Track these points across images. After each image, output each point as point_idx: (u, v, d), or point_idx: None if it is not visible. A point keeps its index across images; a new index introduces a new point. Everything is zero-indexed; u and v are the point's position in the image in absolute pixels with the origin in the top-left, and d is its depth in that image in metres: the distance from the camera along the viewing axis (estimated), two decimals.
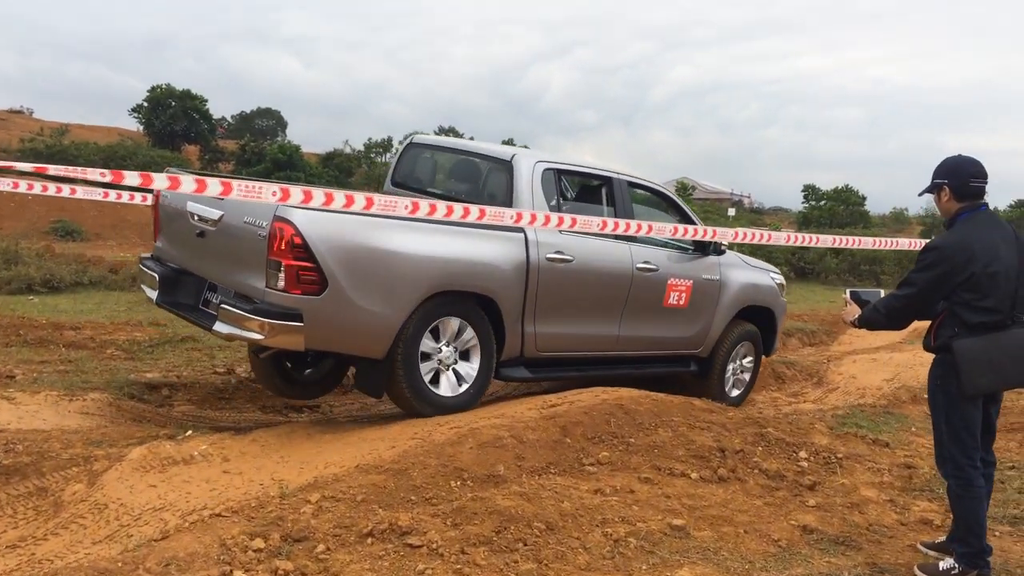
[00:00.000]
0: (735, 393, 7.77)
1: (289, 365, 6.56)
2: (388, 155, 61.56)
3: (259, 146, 46.38)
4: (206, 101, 47.00)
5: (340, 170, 51.13)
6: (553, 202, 6.12)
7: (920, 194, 4.27)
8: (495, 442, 4.78)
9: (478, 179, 6.57)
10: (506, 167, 6.08)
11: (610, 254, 6.36)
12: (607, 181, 6.60)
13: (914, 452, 5.77)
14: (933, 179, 4.08)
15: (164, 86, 46.59)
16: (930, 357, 9.85)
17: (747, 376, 7.90)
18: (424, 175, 7.07)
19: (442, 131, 61.57)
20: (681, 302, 6.90)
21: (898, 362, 9.62)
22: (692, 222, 6.95)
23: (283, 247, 4.75)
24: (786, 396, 8.98)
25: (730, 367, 7.60)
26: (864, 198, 47.39)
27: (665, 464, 4.87)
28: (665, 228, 6.19)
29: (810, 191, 49.72)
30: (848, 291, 4.47)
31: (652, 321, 6.79)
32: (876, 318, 4.14)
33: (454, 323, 5.57)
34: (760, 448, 5.22)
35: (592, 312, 6.36)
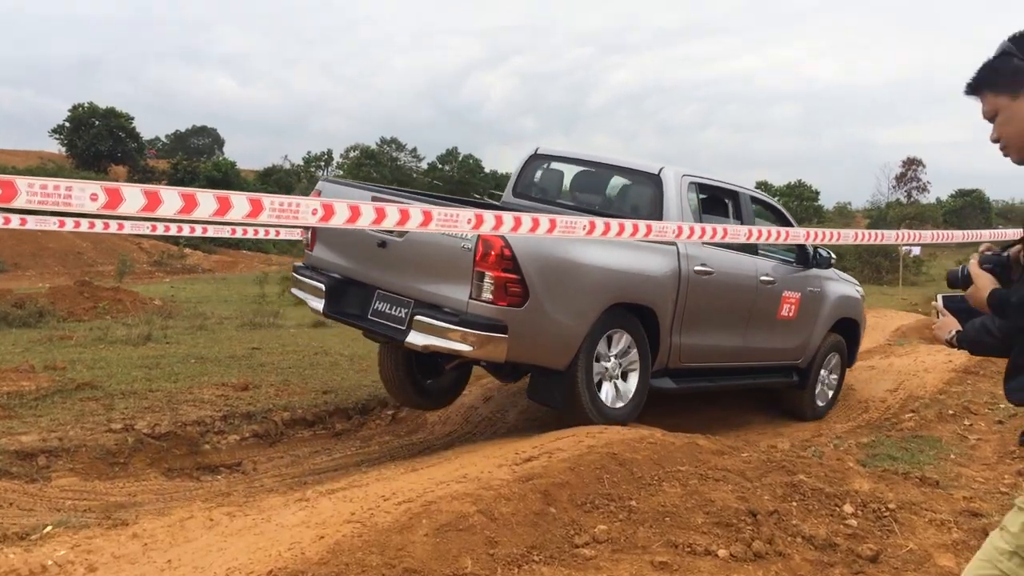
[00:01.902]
0: (821, 404, 7.83)
1: (421, 375, 6.49)
2: (329, 169, 60.03)
3: (192, 165, 44.53)
4: (132, 119, 44.98)
5: (279, 186, 49.55)
6: (696, 216, 6.23)
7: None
8: (458, 523, 3.59)
9: (616, 191, 6.64)
10: (653, 180, 6.11)
11: (740, 267, 6.50)
12: (734, 195, 6.77)
13: (971, 492, 4.72)
14: None
15: (87, 105, 44.42)
16: (935, 362, 8.94)
17: (832, 389, 7.94)
18: (550, 187, 6.94)
19: (383, 142, 60.25)
20: (791, 314, 7.04)
21: (899, 369, 8.67)
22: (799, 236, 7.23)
23: (492, 259, 4.74)
24: (782, 415, 7.93)
25: (821, 375, 7.68)
26: (818, 193, 47.14)
27: (682, 538, 3.72)
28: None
29: (763, 187, 49.42)
30: (940, 297, 3.07)
31: (768, 332, 6.92)
32: (985, 340, 2.75)
33: (620, 335, 5.57)
34: (795, 504, 4.11)
35: (725, 323, 6.46)
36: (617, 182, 6.68)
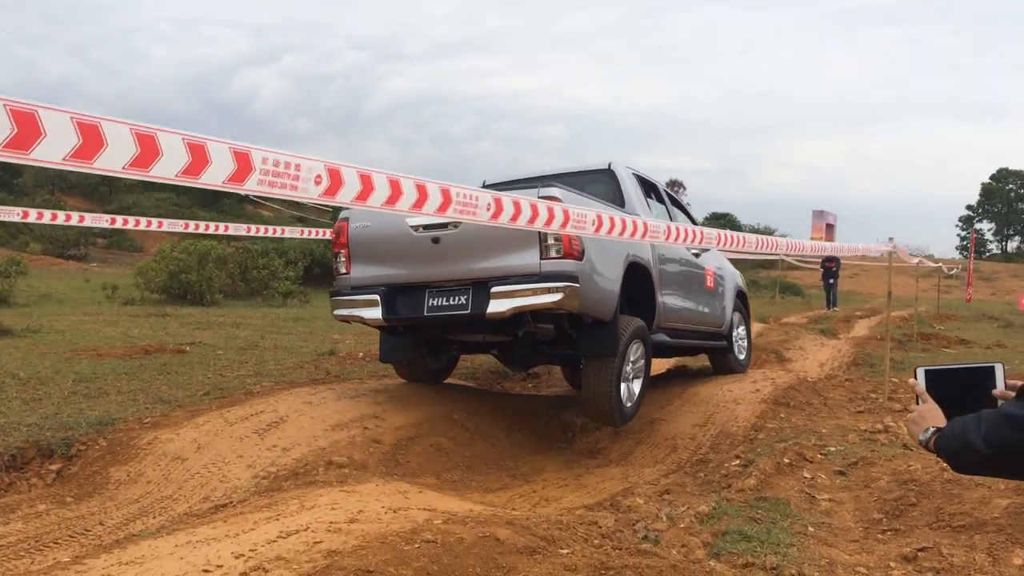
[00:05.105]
0: (742, 358, 9.16)
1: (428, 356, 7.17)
2: None
3: None
4: None
5: (4, 168, 43.31)
6: (644, 200, 7.26)
7: None
8: None
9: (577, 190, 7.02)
10: (608, 174, 7.14)
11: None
12: (655, 185, 7.86)
13: None
14: None
15: None
16: (743, 392, 7.97)
17: (744, 348, 9.28)
18: None
19: None
20: (712, 285, 8.24)
21: (705, 399, 7.57)
22: (693, 218, 8.95)
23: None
24: (580, 455, 6.58)
25: (735, 335, 9.00)
26: None
27: None
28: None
29: None
30: (921, 371, 1.92)
31: (705, 301, 8.02)
32: (969, 456, 1.71)
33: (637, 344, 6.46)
34: None
35: (682, 286, 7.49)
36: (573, 181, 6.99)
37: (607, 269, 5.93)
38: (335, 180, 2.14)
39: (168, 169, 1.72)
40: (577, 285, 5.46)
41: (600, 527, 3.85)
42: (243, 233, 10.15)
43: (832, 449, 5.85)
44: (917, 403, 1.90)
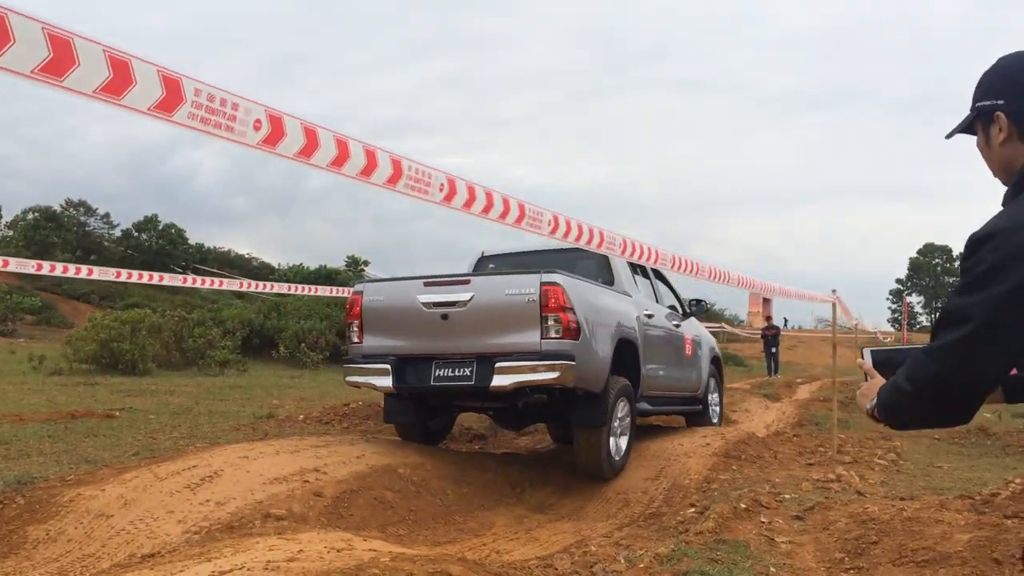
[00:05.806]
0: (715, 420, 9.64)
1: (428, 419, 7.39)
2: None
3: None
4: None
5: None
6: (631, 275, 7.90)
7: (950, 135, 1.79)
8: None
9: (571, 265, 7.33)
10: (600, 255, 7.13)
11: (662, 313, 8.24)
12: (643, 267, 8.11)
13: None
14: (976, 102, 1.75)
15: None
16: (693, 445, 7.84)
17: (717, 405, 9.85)
18: None
19: (70, 205, 53.43)
20: (690, 353, 8.68)
21: (655, 453, 7.43)
22: (676, 292, 9.32)
23: (555, 304, 6.00)
24: (530, 511, 6.34)
25: (710, 399, 9.47)
26: None
27: None
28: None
29: None
30: (868, 352, 2.02)
31: (683, 368, 8.51)
32: (899, 401, 1.74)
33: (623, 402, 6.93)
34: None
35: (663, 358, 7.93)
36: (570, 260, 7.57)
37: (600, 346, 6.41)
38: (276, 129, 2.03)
39: (83, 82, 1.56)
40: (574, 363, 5.97)
41: (557, 569, 3.65)
42: (179, 284, 9.86)
43: (787, 496, 5.75)
44: (866, 380, 1.94)
